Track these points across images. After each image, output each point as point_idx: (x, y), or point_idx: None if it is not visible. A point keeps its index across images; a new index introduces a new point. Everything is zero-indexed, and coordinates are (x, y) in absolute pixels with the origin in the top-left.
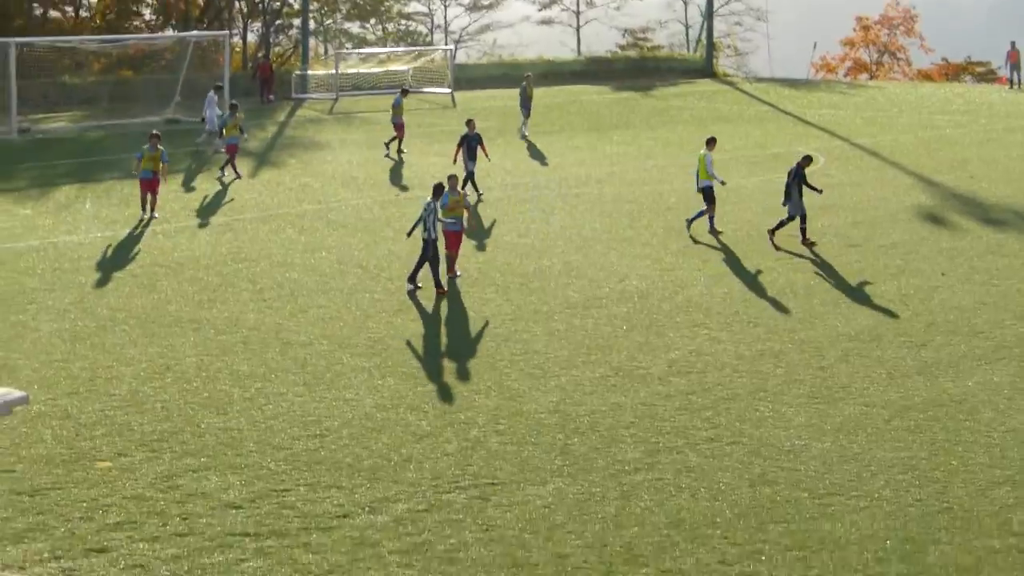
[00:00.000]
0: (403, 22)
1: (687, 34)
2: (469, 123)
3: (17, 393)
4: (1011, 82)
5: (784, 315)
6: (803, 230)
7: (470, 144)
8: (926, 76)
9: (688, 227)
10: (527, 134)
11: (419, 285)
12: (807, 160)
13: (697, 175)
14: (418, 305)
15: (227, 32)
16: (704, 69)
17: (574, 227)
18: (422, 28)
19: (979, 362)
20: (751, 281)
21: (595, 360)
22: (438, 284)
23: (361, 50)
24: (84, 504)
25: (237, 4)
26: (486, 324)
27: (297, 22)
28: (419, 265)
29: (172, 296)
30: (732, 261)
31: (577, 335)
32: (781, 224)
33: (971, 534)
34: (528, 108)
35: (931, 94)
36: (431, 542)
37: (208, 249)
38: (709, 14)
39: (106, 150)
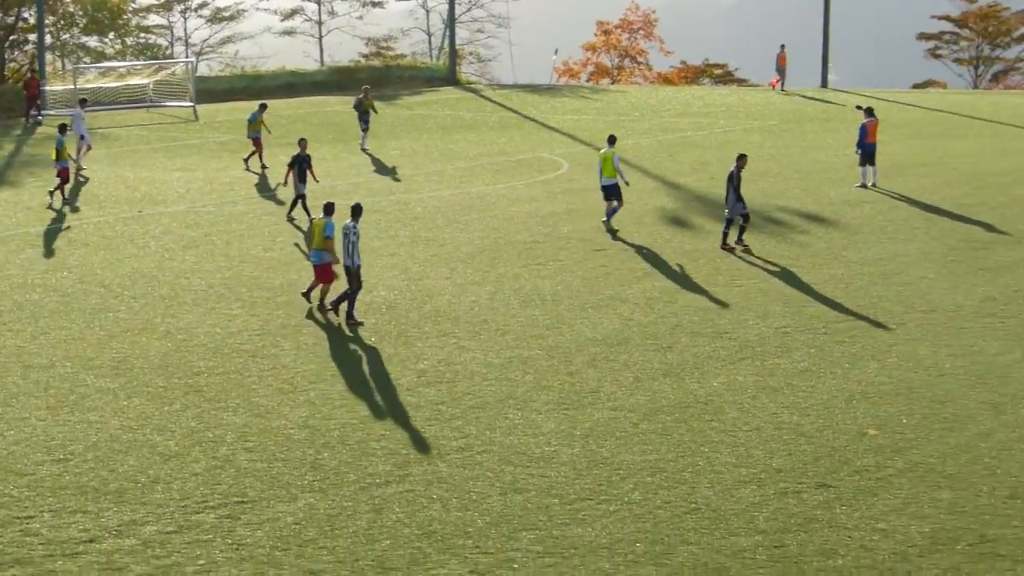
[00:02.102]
0: (143, 35)
1: (430, 42)
2: (301, 142)
3: None
4: (780, 84)
5: (532, 322)
6: (741, 228)
7: (300, 165)
8: (666, 80)
9: (606, 227)
10: (366, 147)
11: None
12: (743, 159)
13: (601, 173)
14: (173, 324)
15: None
16: (447, 77)
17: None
18: (162, 41)
19: (723, 363)
20: (498, 289)
21: (344, 373)
22: (350, 315)
23: (100, 64)
24: None
25: None
26: (233, 340)
27: (33, 37)
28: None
29: None
30: (479, 269)
31: (325, 348)
32: (726, 231)
33: (719, 534)
34: (366, 121)
35: (671, 97)
36: (180, 564)
37: None
38: (451, 22)
39: None
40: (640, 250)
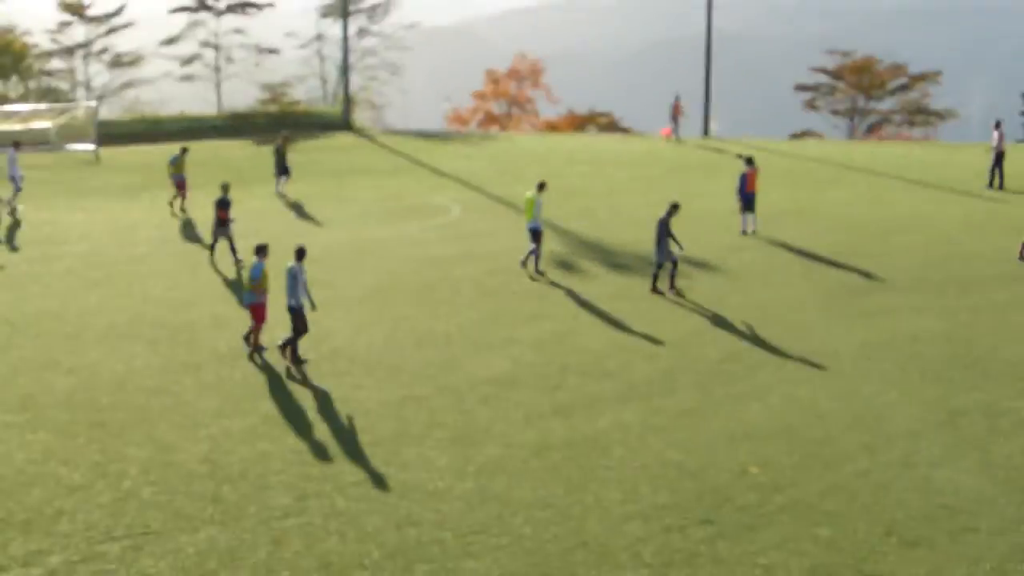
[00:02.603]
0: (45, 79)
1: (324, 88)
2: (224, 187)
3: None
4: (675, 133)
5: (426, 362)
6: (672, 276)
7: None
8: (553, 127)
9: (523, 266)
10: (283, 191)
11: (304, 360)
12: (674, 208)
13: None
14: (78, 362)
15: None
16: (342, 123)
17: (221, 280)
18: (64, 85)
19: (611, 402)
20: (393, 330)
21: (244, 409)
22: (289, 355)
23: (2, 108)
24: None
25: None
26: (136, 377)
27: None
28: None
29: None
30: (374, 311)
31: (226, 386)
32: (655, 275)
33: (606, 568)
34: (283, 166)
35: (558, 145)
36: None
37: None
38: (345, 69)
39: None
40: (530, 293)
